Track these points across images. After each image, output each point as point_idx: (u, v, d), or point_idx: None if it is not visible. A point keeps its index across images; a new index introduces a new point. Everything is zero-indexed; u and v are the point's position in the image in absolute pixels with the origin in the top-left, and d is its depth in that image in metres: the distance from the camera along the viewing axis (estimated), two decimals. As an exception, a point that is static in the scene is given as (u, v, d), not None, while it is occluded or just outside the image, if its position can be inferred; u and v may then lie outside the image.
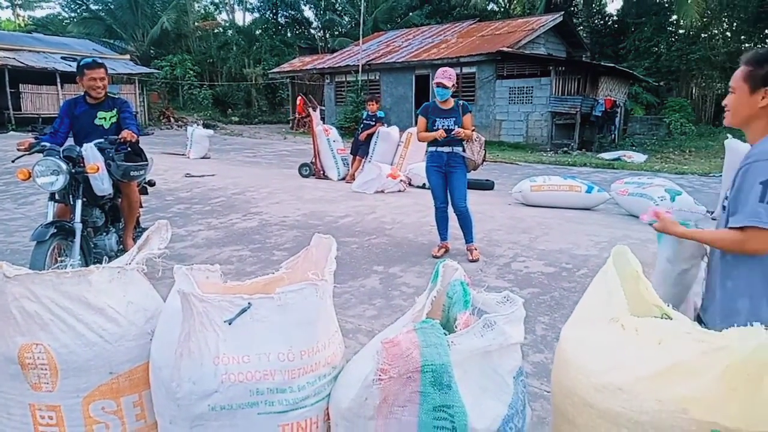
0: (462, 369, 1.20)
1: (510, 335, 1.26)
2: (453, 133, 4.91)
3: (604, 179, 10.68)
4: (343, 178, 10.34)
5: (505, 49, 17.50)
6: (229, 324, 1.32)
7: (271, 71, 27.15)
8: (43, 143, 4.02)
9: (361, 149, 10.21)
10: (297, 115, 14.81)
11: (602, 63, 19.52)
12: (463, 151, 5.04)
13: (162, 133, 20.86)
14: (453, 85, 4.97)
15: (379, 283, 4.64)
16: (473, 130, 5.07)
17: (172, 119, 25.01)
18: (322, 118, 10.92)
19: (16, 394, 1.37)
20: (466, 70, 18.54)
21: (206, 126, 16.10)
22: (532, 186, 7.94)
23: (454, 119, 4.98)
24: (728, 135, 6.49)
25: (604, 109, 17.69)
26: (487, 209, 7.45)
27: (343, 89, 22.62)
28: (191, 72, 28.42)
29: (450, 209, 5.32)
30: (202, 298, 1.30)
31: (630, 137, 19.67)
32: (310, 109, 10.50)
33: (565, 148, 16.92)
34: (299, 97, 10.86)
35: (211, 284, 1.58)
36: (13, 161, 4.39)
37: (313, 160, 10.70)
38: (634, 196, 7.29)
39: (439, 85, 4.90)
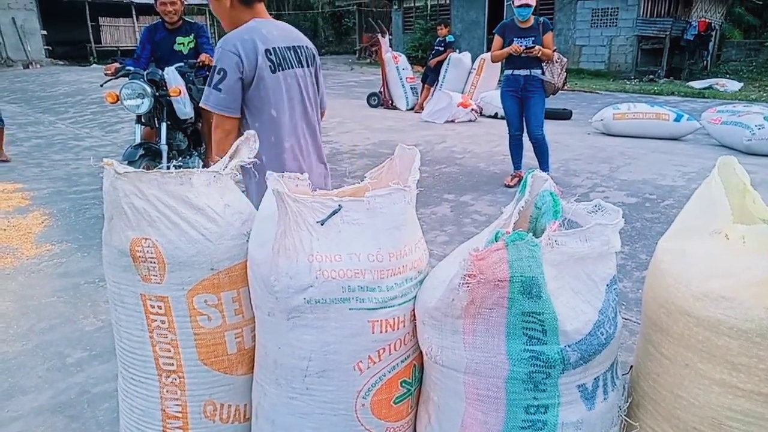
0: (557, 270, 1.18)
1: (611, 243, 1.23)
2: (527, 50, 4.64)
3: (693, 108, 9.91)
4: (412, 108, 10.18)
5: (587, -34, 16.11)
6: (321, 224, 1.36)
7: (338, -1, 26.50)
8: (128, 67, 4.18)
9: (430, 77, 9.94)
10: (371, 40, 14.44)
11: (699, -21, 17.58)
12: (542, 73, 4.79)
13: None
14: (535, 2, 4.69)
15: (450, 211, 4.64)
16: (554, 51, 4.78)
17: (241, 51, 25.17)
18: (390, 47, 10.63)
19: (129, 285, 1.50)
20: (543, -9, 17.29)
21: (275, 57, 16.10)
22: (615, 114, 7.50)
23: (533, 38, 4.70)
24: None
25: (696, 33, 16.10)
26: (563, 138, 7.15)
27: (411, 15, 21.81)
28: (259, 2, 28.24)
29: (525, 137, 5.15)
30: (295, 199, 1.34)
31: (724, 64, 17.92)
32: (379, 35, 10.25)
33: (651, 76, 15.72)
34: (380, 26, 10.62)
35: (300, 191, 1.62)
36: (101, 85, 4.63)
37: (382, 90, 10.55)
38: (728, 124, 6.74)
39: (522, 6, 4.61)
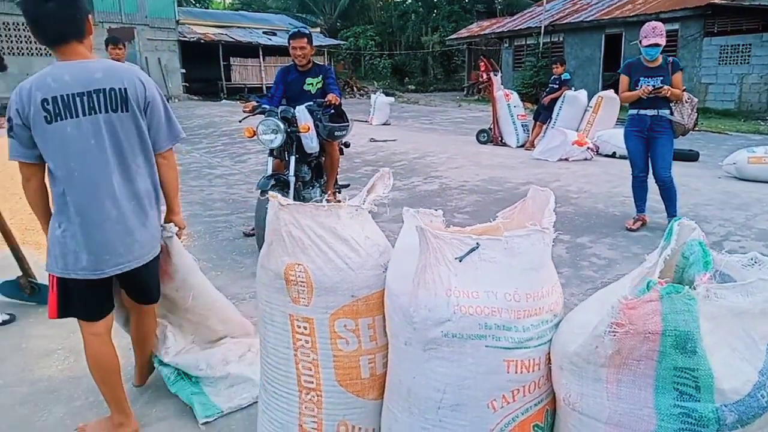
0: (713, 324, 1.13)
1: (774, 301, 1.16)
2: (655, 91, 4.46)
3: None
4: (522, 145, 10.06)
5: (716, 1, 15.15)
6: (460, 261, 1.41)
7: (449, 38, 27.07)
8: (263, 106, 4.58)
9: (543, 114, 9.80)
10: (478, 78, 14.53)
11: None
12: (671, 113, 4.57)
13: (346, 101, 22.14)
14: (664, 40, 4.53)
15: (565, 252, 4.50)
16: (683, 90, 4.56)
17: (355, 88, 26.46)
18: (501, 84, 10.65)
19: (280, 305, 1.65)
20: (666, 27, 16.44)
21: (386, 94, 16.76)
22: (750, 158, 6.91)
23: (661, 78, 4.52)
24: None
25: None
26: (691, 182, 6.70)
27: (522, 53, 21.72)
28: (372, 42, 29.71)
29: (650, 179, 4.90)
30: (436, 235, 1.41)
31: None
32: (491, 74, 10.30)
33: (791, 116, 14.27)
34: (481, 61, 10.67)
35: (435, 227, 1.69)
36: (240, 121, 5.09)
37: (491, 126, 10.55)
38: None
39: (651, 45, 4.47)
